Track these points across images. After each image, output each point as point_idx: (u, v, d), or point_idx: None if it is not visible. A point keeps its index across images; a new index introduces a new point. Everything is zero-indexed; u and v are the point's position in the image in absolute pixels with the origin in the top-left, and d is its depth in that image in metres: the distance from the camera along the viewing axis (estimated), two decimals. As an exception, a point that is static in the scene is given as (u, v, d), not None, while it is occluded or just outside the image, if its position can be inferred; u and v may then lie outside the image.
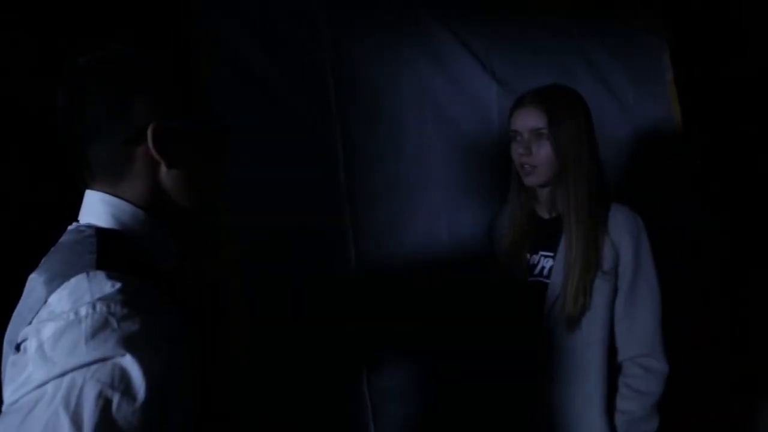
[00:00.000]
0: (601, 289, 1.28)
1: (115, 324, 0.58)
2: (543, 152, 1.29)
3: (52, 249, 0.72)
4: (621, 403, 1.30)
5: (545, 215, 1.40)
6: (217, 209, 0.85)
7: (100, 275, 0.61)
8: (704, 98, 2.16)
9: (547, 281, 1.33)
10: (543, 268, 1.36)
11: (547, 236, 1.37)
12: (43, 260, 0.71)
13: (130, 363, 0.57)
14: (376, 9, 1.64)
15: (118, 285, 0.61)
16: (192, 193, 0.78)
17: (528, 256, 1.39)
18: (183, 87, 0.77)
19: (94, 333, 0.57)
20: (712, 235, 2.05)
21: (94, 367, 0.56)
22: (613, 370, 1.31)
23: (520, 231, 1.41)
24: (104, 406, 0.55)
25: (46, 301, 0.61)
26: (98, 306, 0.59)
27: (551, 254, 1.35)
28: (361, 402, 1.55)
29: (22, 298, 0.68)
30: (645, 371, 1.30)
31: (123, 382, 0.56)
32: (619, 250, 1.29)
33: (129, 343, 0.58)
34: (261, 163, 1.40)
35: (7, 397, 0.58)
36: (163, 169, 0.74)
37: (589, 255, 1.27)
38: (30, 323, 0.60)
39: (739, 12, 2.21)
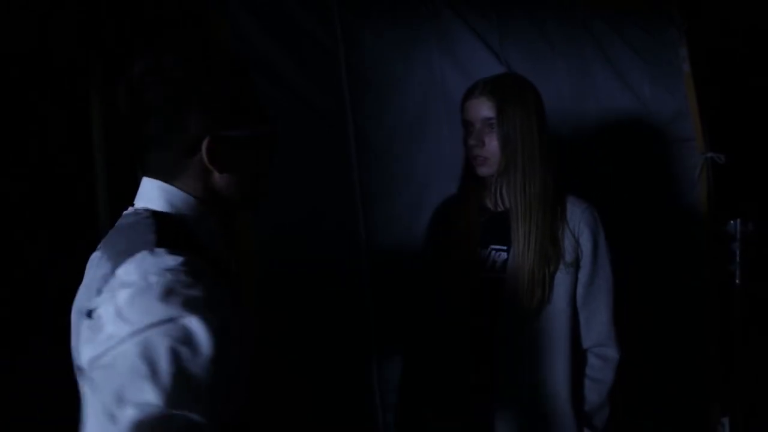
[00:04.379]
0: (562, 281, 1.28)
1: (180, 289, 0.66)
2: (495, 143, 1.27)
3: (111, 231, 0.81)
4: (585, 393, 1.32)
5: (495, 208, 1.37)
6: (261, 199, 0.90)
7: (162, 251, 0.69)
8: (723, 91, 2.13)
9: (501, 275, 1.31)
10: (495, 262, 1.34)
11: (497, 230, 1.34)
12: (103, 241, 0.79)
13: (195, 323, 0.65)
14: (390, 2, 1.62)
15: (180, 259, 0.69)
16: (241, 192, 0.84)
17: (478, 250, 1.36)
18: (236, 95, 0.81)
19: (163, 296, 0.65)
20: (724, 230, 2.03)
21: (165, 325, 0.63)
22: (578, 362, 1.31)
23: (470, 225, 1.37)
24: (175, 358, 0.63)
25: (113, 274, 0.69)
26: (166, 274, 0.67)
27: (504, 248, 1.33)
28: (370, 395, 1.56)
29: (88, 273, 0.77)
30: (602, 361, 1.32)
31: (190, 338, 0.64)
32: (579, 242, 1.29)
33: (193, 306, 0.65)
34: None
35: (88, 353, 0.67)
36: (216, 174, 0.80)
37: (545, 248, 1.26)
38: (99, 293, 0.68)
39: (758, 6, 2.17)
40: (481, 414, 1.34)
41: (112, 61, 1.28)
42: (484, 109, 1.28)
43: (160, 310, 0.64)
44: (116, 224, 0.81)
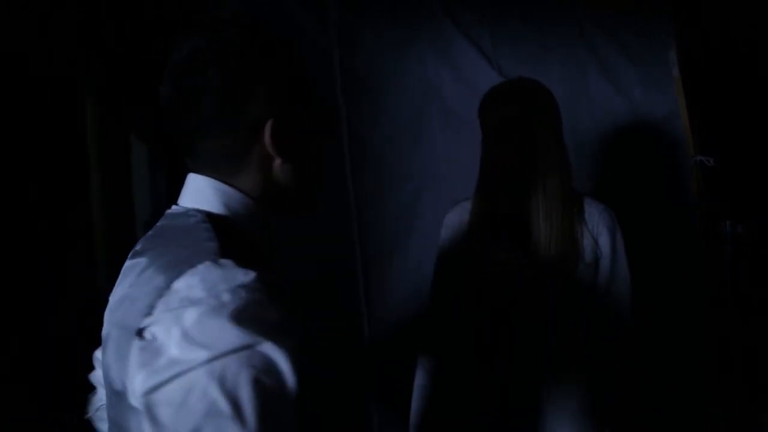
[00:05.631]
0: (582, 281, 1.29)
1: (258, 311, 0.57)
2: (515, 145, 1.29)
3: (153, 233, 0.71)
4: (602, 390, 1.33)
5: (512, 210, 1.38)
6: (318, 197, 0.83)
7: (229, 263, 0.59)
8: (711, 95, 2.16)
9: (519, 276, 1.32)
10: (512, 263, 1.35)
11: (514, 231, 1.35)
12: (143, 245, 0.69)
13: (275, 351, 0.56)
14: (384, 3, 1.64)
15: (252, 274, 0.59)
16: (300, 183, 0.75)
17: (495, 251, 1.37)
18: (296, 77, 0.73)
19: (240, 319, 0.55)
20: (715, 232, 2.05)
21: (245, 352, 0.55)
22: (596, 360, 1.33)
23: (486, 227, 1.39)
24: (261, 392, 0.54)
25: (169, 288, 0.58)
26: (240, 292, 0.57)
27: (522, 249, 1.34)
28: (363, 395, 1.57)
29: (126, 280, 0.66)
30: (618, 360, 1.34)
31: (272, 368, 0.56)
32: (598, 243, 1.31)
33: (273, 331, 0.57)
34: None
35: (144, 381, 0.56)
36: (277, 163, 0.71)
37: (565, 247, 1.28)
38: (152, 309, 0.58)
39: (746, 9, 2.21)
40: (498, 412, 1.36)
41: (112, 61, 1.29)
42: (503, 111, 1.30)
43: (237, 335, 0.55)
44: (159, 225, 0.71)
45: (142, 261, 0.65)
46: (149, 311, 0.58)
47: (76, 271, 1.28)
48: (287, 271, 0.74)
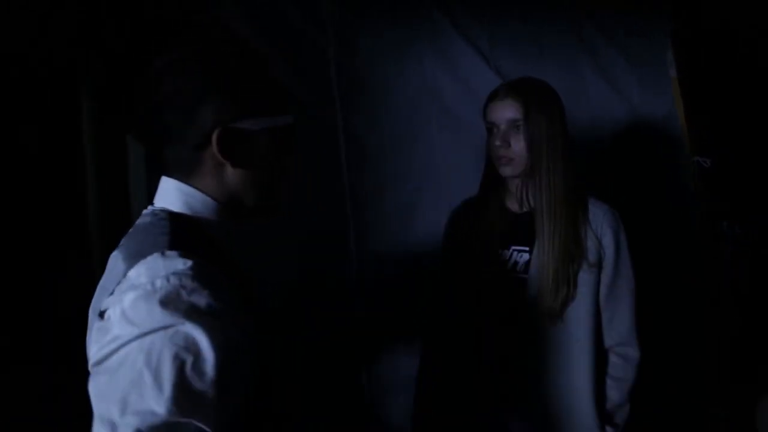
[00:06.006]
0: (585, 281, 1.30)
1: (185, 295, 0.65)
2: (521, 144, 1.30)
3: (131, 230, 0.80)
4: (606, 392, 1.33)
5: (517, 209, 1.39)
6: (280, 205, 0.89)
7: (174, 254, 0.68)
8: (709, 96, 2.17)
9: (524, 276, 1.33)
10: (516, 262, 1.35)
11: (519, 230, 1.36)
12: (122, 240, 0.79)
13: (198, 331, 0.64)
14: (383, 4, 1.65)
15: (189, 263, 0.68)
16: (257, 192, 0.83)
17: (500, 251, 1.38)
18: (250, 88, 0.80)
19: (167, 301, 0.64)
20: (714, 232, 2.06)
21: (170, 330, 0.63)
22: (600, 361, 1.33)
23: (491, 225, 1.39)
24: (179, 366, 0.62)
25: (125, 275, 0.68)
26: (171, 279, 0.66)
27: (526, 248, 1.35)
28: (359, 396, 1.56)
29: (105, 273, 0.76)
30: (623, 360, 1.33)
31: (193, 346, 0.63)
32: (602, 244, 1.31)
33: (197, 314, 0.65)
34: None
35: (93, 354, 0.66)
36: (229, 168, 0.79)
37: (569, 246, 1.28)
38: (112, 294, 0.68)
39: (745, 10, 2.22)
40: (503, 413, 1.36)
41: (112, 61, 1.29)
42: (509, 110, 1.30)
43: (163, 315, 0.63)
44: (136, 223, 0.81)
45: (116, 254, 0.75)
46: (110, 295, 0.68)
47: (72, 271, 1.27)
48: (245, 263, 0.83)
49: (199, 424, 0.62)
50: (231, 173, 0.80)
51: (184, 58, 0.78)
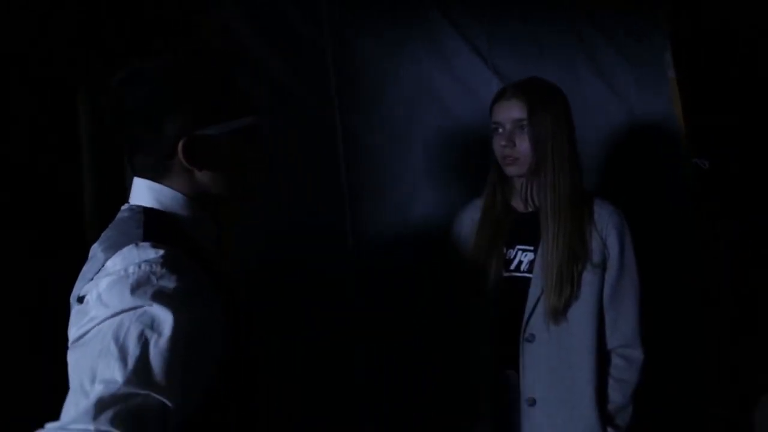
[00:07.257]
0: (590, 281, 1.30)
1: (155, 281, 0.72)
2: (526, 143, 1.30)
3: (110, 224, 0.86)
4: (609, 393, 1.33)
5: (522, 208, 1.40)
6: (255, 196, 0.96)
7: (146, 245, 0.75)
8: (708, 97, 2.18)
9: (528, 275, 1.33)
10: (521, 262, 1.36)
11: (524, 230, 1.36)
12: (103, 234, 0.85)
13: (164, 312, 0.69)
14: (381, 4, 1.66)
15: (161, 252, 0.74)
16: (228, 187, 0.89)
17: (504, 250, 1.38)
18: (211, 96, 0.86)
19: (138, 285, 0.71)
20: (713, 233, 2.06)
21: (138, 311, 0.69)
22: (603, 361, 1.33)
23: (496, 225, 1.39)
24: (144, 343, 0.68)
25: (104, 265, 0.75)
26: (143, 266, 0.73)
27: (530, 248, 1.35)
28: (357, 394, 1.56)
29: (87, 262, 0.82)
30: (626, 361, 1.33)
31: (157, 326, 0.69)
32: (606, 244, 1.31)
33: (164, 297, 0.71)
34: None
35: (72, 334, 0.73)
36: (197, 172, 0.85)
37: (574, 246, 1.28)
38: (90, 281, 0.75)
39: (744, 10, 2.23)
40: (506, 413, 1.36)
41: (112, 61, 1.30)
42: (515, 110, 1.31)
43: (133, 298, 0.70)
44: (115, 219, 0.87)
45: (96, 246, 0.82)
46: (88, 282, 0.75)
47: (69, 268, 1.28)
48: (221, 257, 0.88)
49: (159, 397, 0.66)
50: (200, 174, 0.85)
51: (145, 70, 0.83)
